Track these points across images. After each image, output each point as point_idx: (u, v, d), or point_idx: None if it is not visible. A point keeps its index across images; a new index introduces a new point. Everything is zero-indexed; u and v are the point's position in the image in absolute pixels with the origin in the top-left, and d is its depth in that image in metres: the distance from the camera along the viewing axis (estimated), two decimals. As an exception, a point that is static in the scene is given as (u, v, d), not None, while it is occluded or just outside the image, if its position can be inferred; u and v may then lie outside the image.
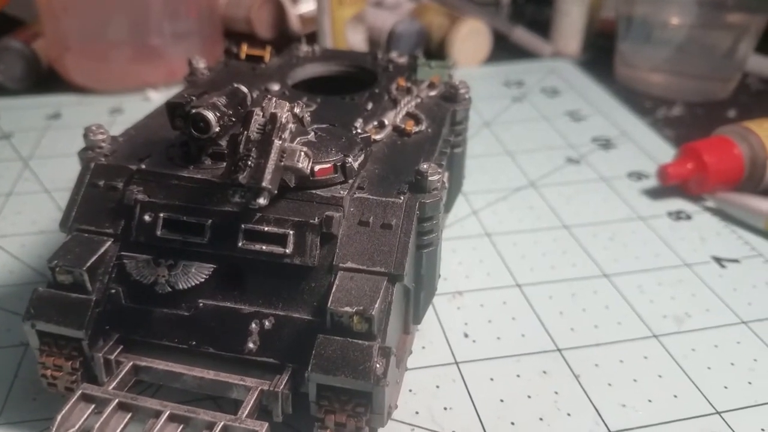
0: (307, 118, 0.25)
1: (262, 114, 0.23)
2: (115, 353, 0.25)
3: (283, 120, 0.23)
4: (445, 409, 0.29)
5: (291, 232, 0.24)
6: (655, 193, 0.45)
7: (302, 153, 0.23)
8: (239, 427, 0.22)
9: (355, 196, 0.25)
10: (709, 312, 0.34)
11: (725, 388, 0.30)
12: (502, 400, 0.29)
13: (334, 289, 0.23)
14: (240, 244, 0.24)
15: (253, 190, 0.23)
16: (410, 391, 0.29)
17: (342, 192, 0.25)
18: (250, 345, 0.24)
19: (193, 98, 0.25)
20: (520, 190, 0.45)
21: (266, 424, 0.23)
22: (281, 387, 0.23)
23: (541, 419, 0.28)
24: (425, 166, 0.25)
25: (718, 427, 0.28)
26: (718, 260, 0.38)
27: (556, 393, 0.29)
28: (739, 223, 0.41)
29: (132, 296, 0.25)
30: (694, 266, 0.38)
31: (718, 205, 0.43)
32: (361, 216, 0.24)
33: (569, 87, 0.62)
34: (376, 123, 0.30)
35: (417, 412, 0.28)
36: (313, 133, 0.26)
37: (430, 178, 0.25)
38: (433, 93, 0.35)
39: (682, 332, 0.33)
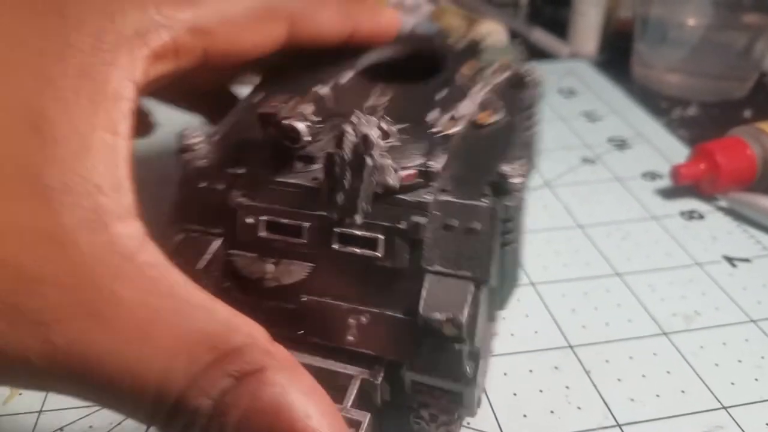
0: (393, 129, 0.26)
1: (354, 133, 0.24)
2: None
3: (374, 139, 0.24)
4: (460, 402, 0.30)
5: (381, 237, 0.25)
6: (668, 193, 0.46)
7: (392, 168, 0.24)
8: (344, 417, 0.23)
9: (439, 199, 0.25)
10: (718, 310, 0.35)
11: (732, 384, 0.31)
12: (515, 394, 0.30)
13: (424, 295, 0.24)
14: (335, 246, 0.25)
15: (353, 209, 0.24)
16: (426, 384, 0.31)
17: (427, 197, 0.25)
18: (350, 337, 0.25)
19: (283, 107, 0.26)
20: (535, 189, 0.46)
21: (368, 415, 0.23)
22: (379, 378, 0.25)
23: (552, 412, 0.29)
24: (508, 168, 0.25)
25: (724, 422, 0.29)
26: (730, 259, 0.39)
27: (567, 387, 0.30)
28: (752, 223, 0.42)
29: (243, 289, 0.26)
30: (706, 265, 0.38)
31: (730, 205, 0.44)
32: (445, 219, 0.25)
33: (586, 87, 0.63)
34: (450, 116, 0.29)
35: (432, 405, 0.30)
36: (394, 137, 0.26)
37: (512, 180, 0.25)
38: (503, 76, 0.33)
39: (691, 330, 0.34)
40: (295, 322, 0.25)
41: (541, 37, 0.72)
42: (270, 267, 0.26)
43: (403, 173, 0.25)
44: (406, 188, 0.25)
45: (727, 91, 0.60)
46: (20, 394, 0.30)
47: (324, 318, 0.25)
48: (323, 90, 0.28)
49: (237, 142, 0.30)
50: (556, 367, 0.32)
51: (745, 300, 0.36)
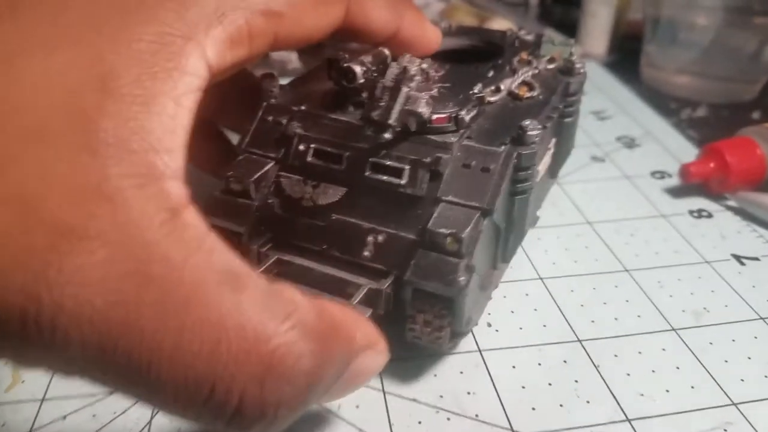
0: (433, 73, 0.31)
1: (396, 66, 0.28)
2: (266, 248, 0.31)
3: (412, 72, 0.28)
4: (469, 393, 0.30)
5: (407, 167, 0.29)
6: (677, 192, 0.46)
7: (424, 101, 0.28)
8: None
9: (463, 143, 0.30)
10: (727, 307, 0.35)
11: (742, 380, 0.31)
12: (523, 387, 0.30)
13: (435, 215, 0.28)
14: (367, 174, 0.30)
15: (382, 126, 0.28)
16: (435, 375, 0.31)
17: (452, 139, 0.30)
18: (366, 253, 0.29)
19: (347, 56, 0.31)
20: (545, 187, 0.45)
21: (369, 310, 0.28)
22: (385, 287, 0.28)
23: (561, 406, 0.29)
24: (527, 122, 0.30)
25: (733, 418, 0.29)
26: (738, 258, 0.39)
27: (576, 381, 0.30)
28: (760, 222, 0.42)
29: (284, 207, 0.31)
30: (714, 263, 0.38)
31: (739, 204, 0.43)
32: (465, 159, 0.29)
33: (595, 87, 0.63)
34: (493, 87, 0.34)
35: (441, 396, 0.30)
36: (436, 90, 0.32)
37: (529, 133, 0.29)
38: (551, 66, 0.39)
39: (700, 326, 0.34)
40: (321, 238, 0.30)
41: (551, 37, 0.72)
42: (309, 189, 0.31)
43: (435, 116, 0.29)
44: (436, 130, 0.30)
45: (736, 93, 0.60)
46: (23, 381, 0.30)
47: (347, 235, 0.30)
48: (386, 50, 0.32)
49: (307, 87, 0.35)
50: (565, 361, 0.31)
51: (754, 298, 0.36)
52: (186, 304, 0.17)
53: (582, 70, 0.38)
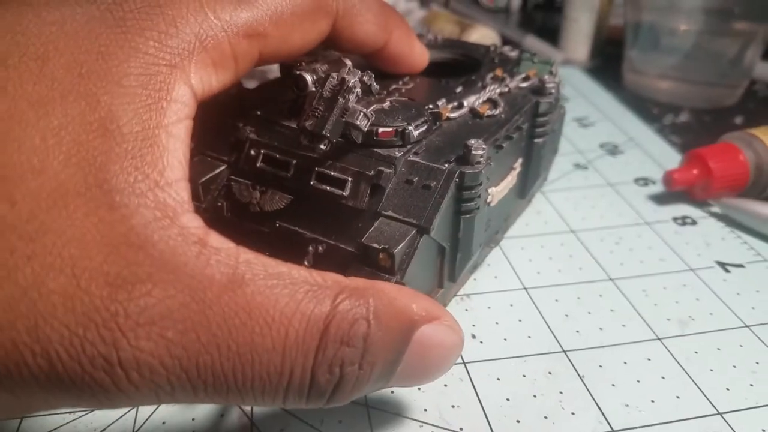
0: (375, 86, 0.30)
1: (336, 77, 0.27)
2: None
3: (350, 84, 0.27)
4: (453, 407, 0.29)
5: (350, 179, 0.29)
6: (660, 199, 0.45)
7: (362, 113, 0.27)
8: None
9: (408, 158, 0.29)
10: (712, 316, 0.35)
11: (727, 389, 0.30)
12: (508, 399, 0.30)
13: (371, 229, 0.27)
14: (312, 183, 0.29)
15: (317, 137, 0.27)
16: (419, 389, 0.30)
17: (398, 153, 0.29)
18: (306, 263, 0.29)
19: (303, 63, 0.31)
20: (528, 195, 0.45)
21: None
22: None
23: (546, 417, 0.29)
24: (473, 141, 0.29)
25: (719, 428, 0.28)
26: (723, 265, 0.39)
27: (561, 393, 0.30)
28: (744, 229, 0.42)
29: (232, 210, 0.31)
30: (699, 271, 0.38)
31: (723, 211, 0.43)
32: (408, 175, 0.29)
33: (578, 93, 0.63)
34: (456, 104, 0.34)
35: (425, 410, 0.29)
36: (389, 103, 0.32)
37: (473, 152, 0.29)
38: (525, 84, 0.38)
39: (685, 335, 0.34)
40: (265, 244, 0.28)
41: (533, 43, 0.72)
42: (257, 194, 0.31)
43: (381, 129, 0.29)
44: (382, 143, 0.30)
45: (718, 98, 0.60)
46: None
47: (290, 243, 0.29)
48: (348, 60, 0.31)
49: (270, 92, 0.35)
50: (549, 372, 0.31)
51: (739, 305, 0.36)
52: (248, 313, 0.19)
53: (553, 90, 0.37)
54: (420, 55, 0.36)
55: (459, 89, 0.36)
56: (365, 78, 0.29)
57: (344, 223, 0.29)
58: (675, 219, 0.43)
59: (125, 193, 0.19)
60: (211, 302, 0.19)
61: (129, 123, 0.19)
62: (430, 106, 0.33)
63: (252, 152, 0.31)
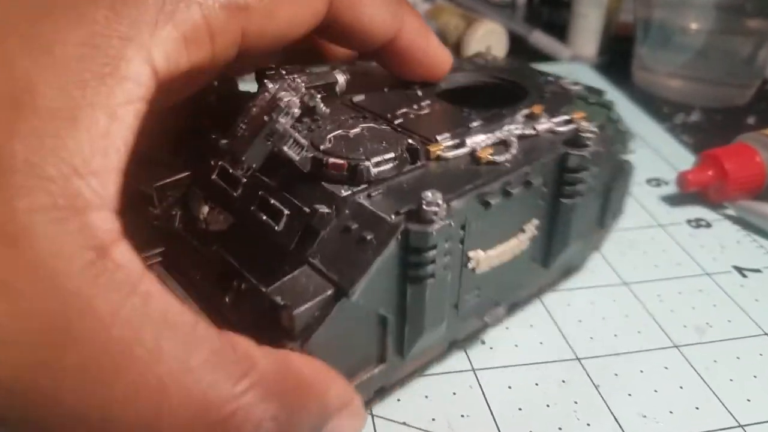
0: (322, 108, 0.25)
1: (271, 92, 0.23)
2: (152, 262, 0.27)
3: (283, 104, 0.23)
4: (462, 416, 0.28)
5: (286, 213, 0.24)
6: (674, 200, 0.44)
7: (292, 139, 0.23)
8: None
9: (358, 200, 0.24)
10: (730, 323, 0.34)
11: (748, 401, 0.29)
12: (520, 409, 0.29)
13: (286, 278, 0.23)
14: (253, 208, 0.25)
15: (235, 159, 0.23)
16: (426, 397, 0.29)
17: (344, 192, 0.24)
18: (227, 299, 0.25)
19: (283, 71, 0.27)
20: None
21: None
22: None
23: (560, 429, 0.28)
24: (430, 193, 0.23)
25: (740, 441, 0.27)
26: (740, 270, 0.38)
27: (576, 402, 0.29)
28: (760, 232, 0.41)
29: (183, 222, 0.28)
30: (715, 275, 0.37)
31: (738, 213, 0.42)
32: (349, 221, 0.24)
33: (586, 91, 0.62)
34: (458, 141, 0.28)
35: (433, 419, 0.28)
36: (360, 129, 0.27)
37: (425, 207, 0.23)
38: (562, 129, 0.30)
39: (703, 343, 0.32)
40: (199, 268, 0.26)
41: (540, 38, 0.71)
42: (206, 209, 0.27)
43: (332, 160, 0.25)
44: (335, 178, 0.25)
45: (730, 97, 0.59)
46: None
47: (222, 272, 0.25)
48: (338, 75, 0.29)
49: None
50: (563, 381, 0.30)
51: (758, 312, 0.34)
52: (116, 370, 0.15)
53: (588, 142, 0.29)
54: (439, 54, 0.31)
55: (476, 123, 0.29)
56: (310, 101, 0.25)
57: (270, 262, 0.24)
58: (689, 221, 0.42)
59: (21, 173, 0.15)
60: (75, 342, 0.14)
61: (49, 98, 0.16)
62: (410, 141, 0.27)
63: (212, 162, 0.27)
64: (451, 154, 0.27)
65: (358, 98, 0.31)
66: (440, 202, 0.23)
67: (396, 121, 0.29)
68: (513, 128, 0.29)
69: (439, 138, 0.28)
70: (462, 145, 0.28)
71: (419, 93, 0.32)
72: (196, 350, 0.16)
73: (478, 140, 0.28)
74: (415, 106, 0.31)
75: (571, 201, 0.30)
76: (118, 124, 0.17)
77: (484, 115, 0.30)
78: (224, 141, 0.24)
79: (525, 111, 0.31)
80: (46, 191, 0.15)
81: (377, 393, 0.28)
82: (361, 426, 0.21)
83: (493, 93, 0.35)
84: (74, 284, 0.15)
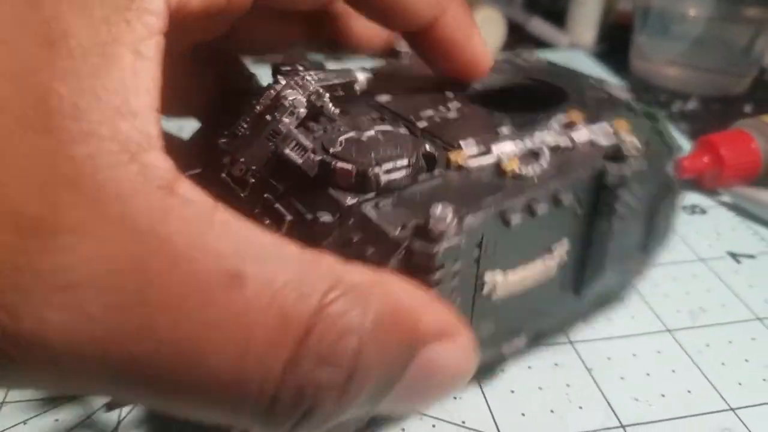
0: (331, 109, 0.24)
1: (276, 91, 0.22)
2: None
3: (288, 103, 0.22)
4: (455, 398, 0.28)
5: (288, 219, 0.23)
6: (670, 187, 0.44)
7: (295, 141, 0.22)
8: None
9: (362, 210, 0.22)
10: (724, 308, 0.34)
11: (739, 384, 0.29)
12: (512, 391, 0.29)
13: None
14: (257, 210, 0.24)
15: (234, 159, 0.22)
16: (420, 380, 0.29)
17: (350, 200, 0.22)
18: None
19: (300, 68, 0.25)
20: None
21: None
22: None
23: (552, 411, 0.28)
24: (439, 207, 0.20)
25: (732, 424, 0.27)
26: (734, 255, 0.38)
27: (568, 386, 0.29)
28: (756, 219, 0.41)
29: None
30: (709, 261, 0.37)
31: (734, 200, 0.42)
32: (351, 233, 0.22)
33: (583, 78, 0.62)
34: (483, 148, 0.25)
35: (426, 401, 0.28)
36: (374, 132, 0.24)
37: (432, 223, 0.20)
38: (603, 142, 0.27)
39: (696, 327, 0.32)
40: None
41: (539, 25, 0.71)
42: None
43: (340, 165, 0.22)
44: (342, 183, 0.23)
45: (727, 85, 0.59)
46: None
47: None
48: (358, 73, 0.27)
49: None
50: (556, 364, 0.30)
51: (751, 297, 0.34)
52: (203, 300, 0.14)
53: (631, 159, 0.25)
54: (478, 53, 0.28)
55: (506, 129, 0.26)
56: (318, 101, 0.23)
57: None
58: (684, 208, 0.42)
59: (70, 117, 0.14)
60: (162, 272, 0.14)
61: (81, 35, 0.15)
62: (428, 147, 0.24)
63: (224, 160, 0.25)
64: (474, 162, 0.24)
65: (384, 98, 0.29)
66: (450, 217, 0.21)
67: (419, 124, 0.26)
68: (546, 137, 0.26)
69: (462, 144, 0.25)
70: (487, 153, 0.25)
71: (449, 95, 0.30)
72: (282, 270, 0.15)
73: (506, 149, 0.25)
74: (443, 108, 0.28)
75: (608, 223, 0.27)
76: (143, 60, 0.16)
77: (516, 121, 0.27)
78: (223, 140, 0.23)
79: (562, 118, 0.27)
80: (98, 136, 0.15)
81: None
82: (466, 366, 0.19)
83: (531, 97, 0.31)
84: (147, 222, 0.14)
